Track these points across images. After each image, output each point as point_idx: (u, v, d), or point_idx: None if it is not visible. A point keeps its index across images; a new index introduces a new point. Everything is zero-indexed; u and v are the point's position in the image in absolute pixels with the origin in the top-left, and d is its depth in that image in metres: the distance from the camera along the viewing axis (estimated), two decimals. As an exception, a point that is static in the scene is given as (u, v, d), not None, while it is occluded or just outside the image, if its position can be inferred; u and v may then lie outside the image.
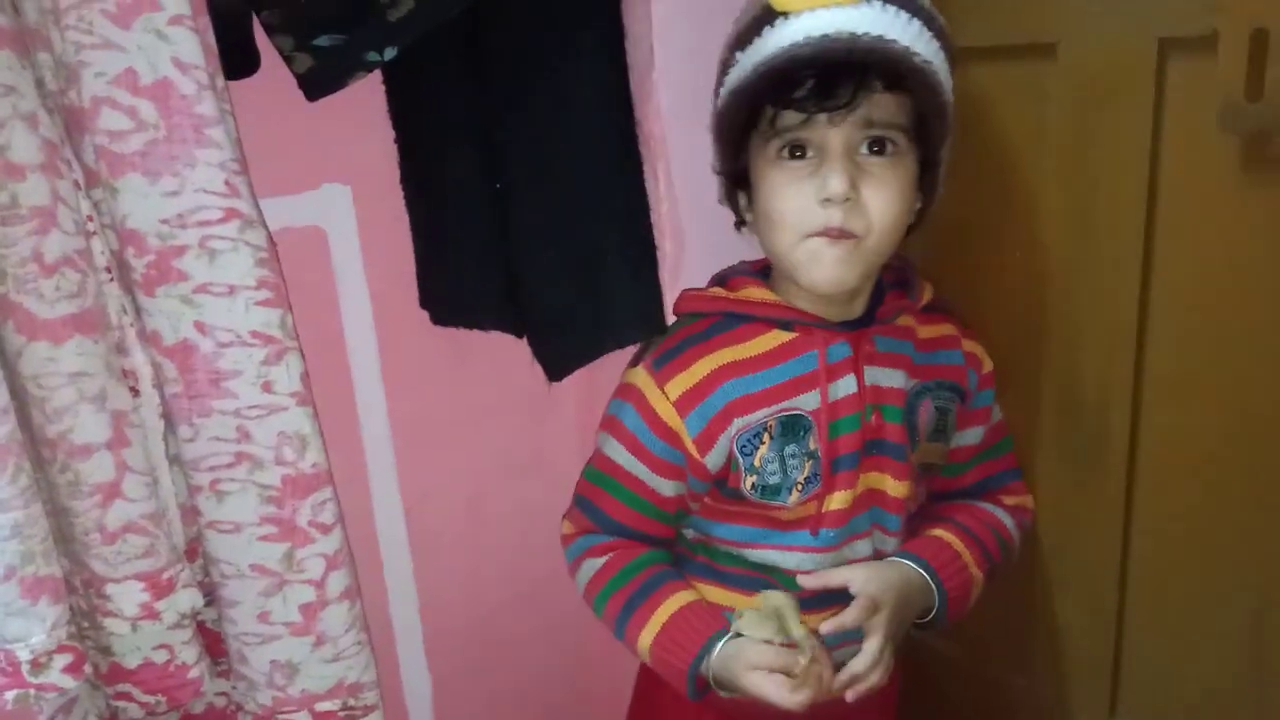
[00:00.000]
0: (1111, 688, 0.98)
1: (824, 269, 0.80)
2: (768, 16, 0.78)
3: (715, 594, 0.89)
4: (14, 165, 0.65)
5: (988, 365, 0.94)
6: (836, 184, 0.76)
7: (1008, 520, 0.94)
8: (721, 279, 0.90)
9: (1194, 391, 0.86)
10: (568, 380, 0.98)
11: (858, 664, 0.81)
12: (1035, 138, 0.90)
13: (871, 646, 0.81)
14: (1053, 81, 0.87)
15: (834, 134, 0.78)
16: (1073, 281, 0.91)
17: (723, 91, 0.83)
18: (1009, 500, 0.96)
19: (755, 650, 0.80)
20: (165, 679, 0.77)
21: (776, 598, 0.83)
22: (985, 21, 0.90)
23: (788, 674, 0.79)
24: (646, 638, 0.86)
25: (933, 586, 0.86)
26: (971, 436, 0.93)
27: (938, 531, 0.91)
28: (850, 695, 0.79)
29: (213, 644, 0.85)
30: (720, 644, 0.83)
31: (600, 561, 0.90)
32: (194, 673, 0.78)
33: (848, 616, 0.82)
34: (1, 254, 0.65)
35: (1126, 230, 0.85)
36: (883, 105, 0.78)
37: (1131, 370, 0.89)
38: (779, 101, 0.78)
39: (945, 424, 0.90)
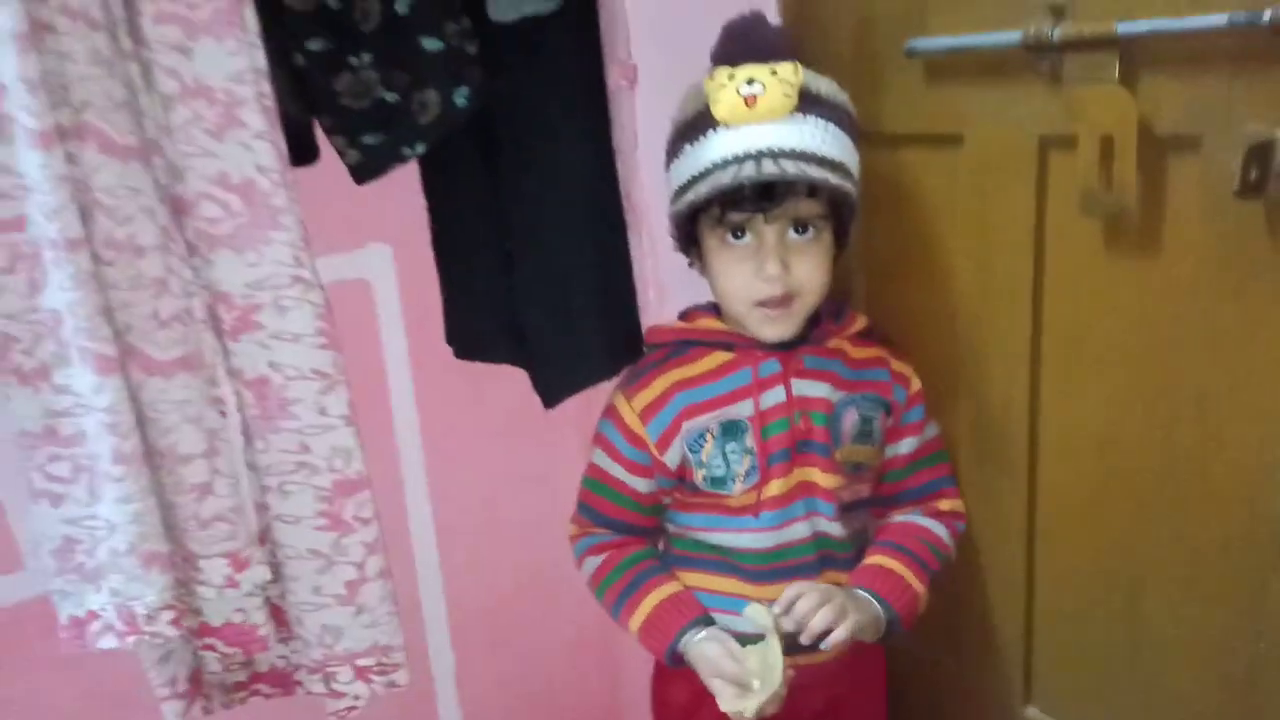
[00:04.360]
0: (1025, 672, 1.09)
1: (772, 329, 0.96)
2: (710, 121, 0.89)
3: (692, 577, 1.02)
4: (139, 247, 0.77)
5: (916, 385, 1.04)
6: (771, 268, 0.92)
7: (941, 530, 1.04)
8: (684, 313, 1.05)
9: (1079, 418, 0.96)
10: (569, 406, 1.09)
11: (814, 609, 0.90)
12: (948, 209, 1.02)
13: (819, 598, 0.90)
14: (960, 165, 0.99)
15: (768, 229, 0.92)
16: (979, 326, 1.02)
17: (674, 188, 0.94)
18: (945, 505, 1.05)
19: (720, 660, 0.92)
20: (241, 635, 0.87)
21: (760, 615, 0.91)
22: (908, 114, 1.03)
23: (738, 684, 0.90)
24: (635, 623, 1.00)
25: (881, 609, 0.95)
26: (906, 446, 1.03)
27: (878, 559, 1.00)
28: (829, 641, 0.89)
29: (277, 617, 0.94)
30: (688, 634, 0.96)
31: (599, 559, 1.05)
32: (262, 631, 0.88)
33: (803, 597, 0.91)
34: (130, 313, 0.78)
35: (1019, 288, 0.97)
36: (807, 204, 0.92)
37: (1027, 402, 0.99)
38: (725, 204, 0.91)
39: (870, 429, 1.00)
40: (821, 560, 1.00)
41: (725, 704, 0.88)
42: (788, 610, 0.90)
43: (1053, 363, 0.98)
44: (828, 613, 0.90)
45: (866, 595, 0.96)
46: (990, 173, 0.96)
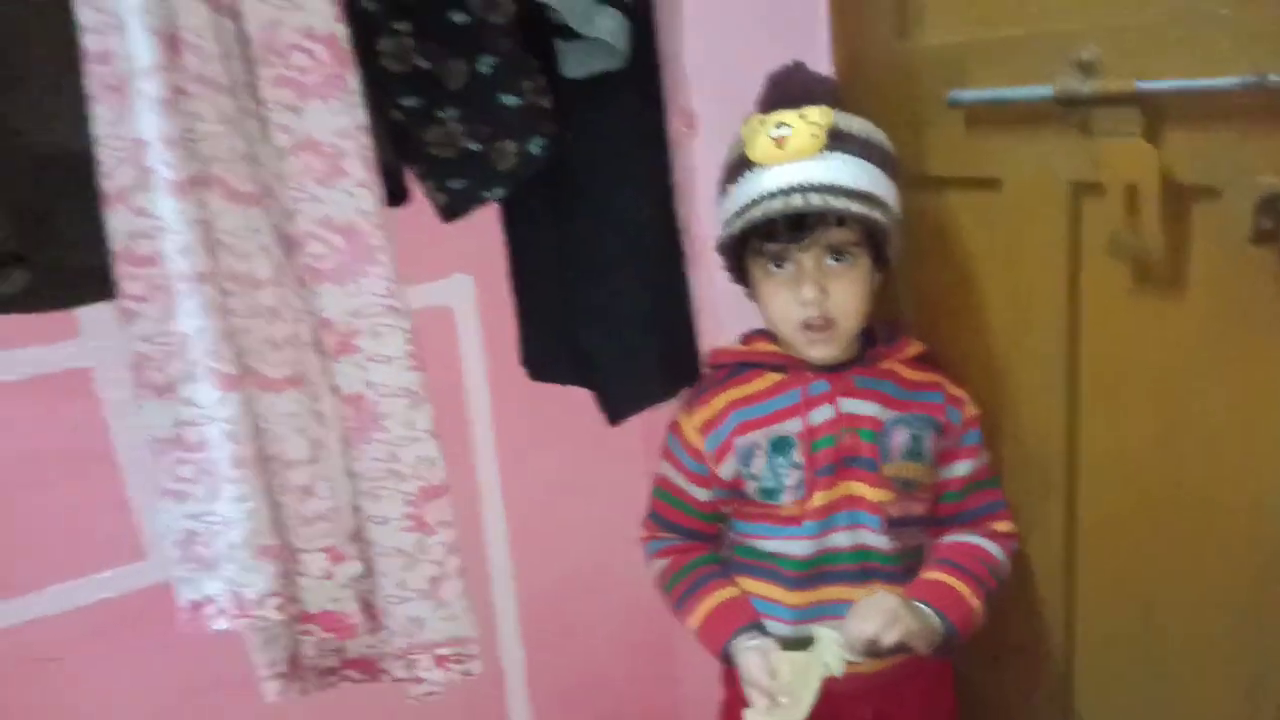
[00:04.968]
0: (1067, 683, 1.14)
1: (815, 350, 1.03)
2: (748, 162, 0.98)
3: (747, 582, 1.08)
4: (257, 280, 0.86)
5: (972, 410, 1.08)
6: (808, 293, 0.98)
7: (995, 549, 1.07)
8: (744, 337, 1.12)
9: (1112, 450, 1.02)
10: (632, 424, 1.17)
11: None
12: (988, 248, 1.09)
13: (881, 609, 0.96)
14: (998, 207, 1.05)
15: (805, 256, 0.99)
16: (1018, 361, 1.08)
17: (722, 221, 1.02)
18: (1000, 527, 1.08)
19: (755, 672, 0.97)
20: (334, 622, 0.93)
21: (822, 641, 0.95)
22: (950, 159, 1.09)
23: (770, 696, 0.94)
24: (694, 622, 1.07)
25: (939, 621, 0.99)
26: (962, 469, 1.07)
27: (935, 575, 1.04)
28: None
29: (366, 611, 0.98)
30: (738, 639, 1.02)
31: (665, 561, 1.13)
32: (353, 619, 0.95)
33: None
34: (248, 337, 0.86)
35: (1055, 325, 1.02)
36: (839, 232, 0.98)
37: (1064, 434, 1.05)
38: (763, 236, 0.99)
39: (920, 448, 1.04)
40: (864, 571, 1.04)
41: (751, 717, 0.95)
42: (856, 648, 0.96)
43: (1087, 397, 1.03)
44: (879, 618, 0.95)
45: (924, 608, 1.00)
46: (1026, 215, 1.02)
